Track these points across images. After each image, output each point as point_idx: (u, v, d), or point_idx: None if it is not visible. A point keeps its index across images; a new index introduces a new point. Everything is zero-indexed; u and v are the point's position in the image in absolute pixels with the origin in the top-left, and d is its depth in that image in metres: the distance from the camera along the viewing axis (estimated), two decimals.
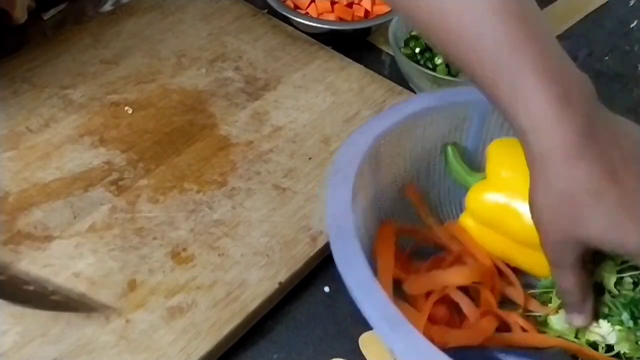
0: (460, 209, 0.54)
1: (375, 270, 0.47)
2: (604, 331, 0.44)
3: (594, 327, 0.45)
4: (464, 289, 0.49)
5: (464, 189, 0.52)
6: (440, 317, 0.47)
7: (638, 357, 0.44)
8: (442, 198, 0.57)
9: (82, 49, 0.71)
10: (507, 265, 0.51)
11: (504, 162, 0.50)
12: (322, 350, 0.49)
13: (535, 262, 0.50)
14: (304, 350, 0.49)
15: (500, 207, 0.48)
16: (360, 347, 0.49)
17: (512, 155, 0.50)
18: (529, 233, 0.47)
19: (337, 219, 0.42)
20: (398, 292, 0.48)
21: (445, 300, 0.48)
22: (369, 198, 0.50)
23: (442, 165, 0.55)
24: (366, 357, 0.49)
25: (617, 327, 0.44)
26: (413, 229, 0.53)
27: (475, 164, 0.55)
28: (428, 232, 0.53)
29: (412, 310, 0.46)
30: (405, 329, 0.37)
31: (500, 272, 0.50)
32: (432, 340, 0.44)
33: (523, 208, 0.47)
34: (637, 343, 0.44)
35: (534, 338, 0.47)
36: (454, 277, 0.48)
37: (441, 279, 0.48)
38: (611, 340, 0.44)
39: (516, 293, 0.50)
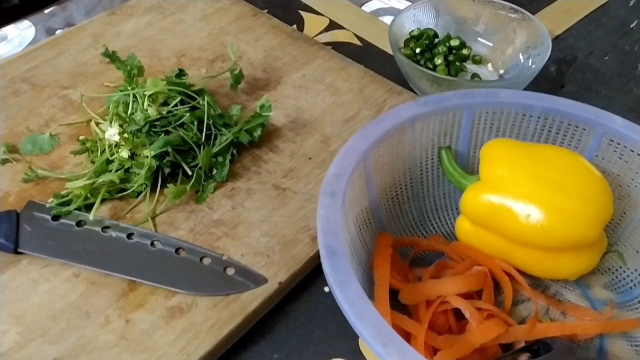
0: (457, 213, 0.54)
1: (373, 284, 0.47)
2: None
3: None
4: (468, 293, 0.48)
5: (460, 192, 0.52)
6: (442, 325, 0.47)
7: None
8: (437, 203, 0.56)
9: (82, 49, 0.71)
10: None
11: (499, 161, 0.50)
12: (322, 350, 0.49)
13: (533, 262, 0.50)
14: (304, 350, 0.49)
15: (495, 207, 0.48)
16: (360, 347, 0.49)
17: (507, 154, 0.50)
18: (525, 232, 0.47)
19: (328, 239, 0.42)
20: (399, 303, 0.48)
21: (449, 307, 0.47)
22: (363, 209, 0.50)
23: (435, 171, 0.55)
24: (366, 357, 0.49)
25: None
26: (411, 240, 0.54)
27: (467, 169, 0.55)
28: (426, 242, 0.53)
29: (411, 323, 0.46)
30: (400, 347, 0.37)
31: (508, 275, 0.50)
32: (438, 350, 0.44)
33: (518, 207, 0.47)
34: None
35: (537, 329, 0.46)
36: (448, 286, 0.48)
37: (436, 288, 0.48)
38: None
39: (527, 293, 0.50)
